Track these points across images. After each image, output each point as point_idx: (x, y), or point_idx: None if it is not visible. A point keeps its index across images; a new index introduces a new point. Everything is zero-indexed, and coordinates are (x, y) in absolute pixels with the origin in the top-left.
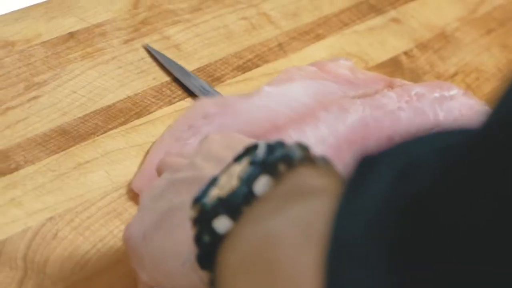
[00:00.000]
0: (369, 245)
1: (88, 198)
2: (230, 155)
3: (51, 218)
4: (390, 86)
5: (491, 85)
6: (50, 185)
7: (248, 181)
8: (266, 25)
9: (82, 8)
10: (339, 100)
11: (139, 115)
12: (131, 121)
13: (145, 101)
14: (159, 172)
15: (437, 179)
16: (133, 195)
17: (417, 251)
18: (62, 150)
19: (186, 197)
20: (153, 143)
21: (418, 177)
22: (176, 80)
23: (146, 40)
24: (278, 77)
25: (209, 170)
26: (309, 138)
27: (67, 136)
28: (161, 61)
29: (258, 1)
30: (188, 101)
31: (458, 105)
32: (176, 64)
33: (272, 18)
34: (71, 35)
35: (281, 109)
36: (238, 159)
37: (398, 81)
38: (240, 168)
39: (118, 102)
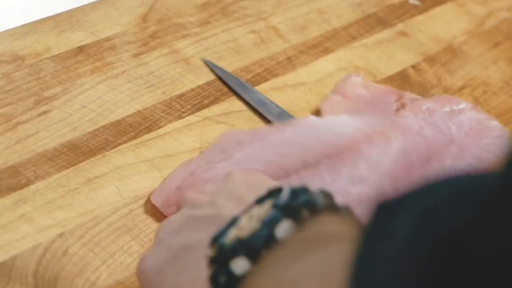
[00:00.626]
0: None
1: (98, 213)
2: (252, 196)
3: (61, 234)
4: (400, 99)
5: (498, 99)
6: (60, 201)
7: (269, 224)
8: (275, 39)
9: (91, 21)
10: (381, 129)
11: (148, 129)
12: (141, 136)
13: (155, 115)
14: (178, 207)
15: (464, 219)
16: (145, 210)
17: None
18: (72, 165)
19: (204, 235)
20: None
21: (442, 219)
22: (234, 92)
23: (155, 54)
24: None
25: (229, 209)
26: (342, 178)
27: (77, 151)
28: (219, 74)
29: (267, 15)
30: (197, 115)
31: (467, 119)
32: (234, 78)
33: (281, 32)
34: (81, 49)
35: (314, 145)
36: (260, 201)
37: (407, 94)
38: (262, 210)
39: (127, 116)
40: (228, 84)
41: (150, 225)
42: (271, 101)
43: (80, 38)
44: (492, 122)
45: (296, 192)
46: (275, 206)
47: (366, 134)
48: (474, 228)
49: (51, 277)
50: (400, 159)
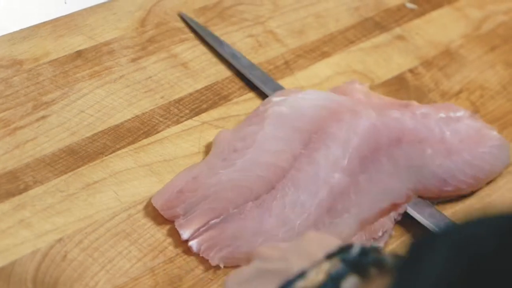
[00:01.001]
0: None
1: (97, 219)
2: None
3: (60, 240)
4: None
5: (495, 103)
6: (59, 206)
7: (336, 278)
8: (272, 43)
9: (90, 26)
10: (351, 106)
11: (147, 134)
12: (139, 141)
13: (153, 120)
14: (249, 259)
15: (492, 251)
16: (144, 215)
17: None
18: (71, 170)
19: (272, 287)
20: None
21: (473, 252)
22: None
23: (153, 59)
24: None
25: (299, 265)
26: (322, 167)
27: (76, 156)
28: (198, 30)
29: (264, 19)
30: (196, 120)
31: (465, 127)
32: (213, 36)
33: (278, 36)
34: (79, 53)
35: (291, 136)
36: (329, 256)
37: (414, 104)
38: (331, 265)
39: (126, 121)
40: (206, 41)
41: (149, 230)
42: (241, 55)
43: (79, 42)
44: (491, 131)
45: (366, 250)
46: (343, 261)
47: (332, 111)
48: (501, 259)
49: (50, 283)
50: (367, 137)
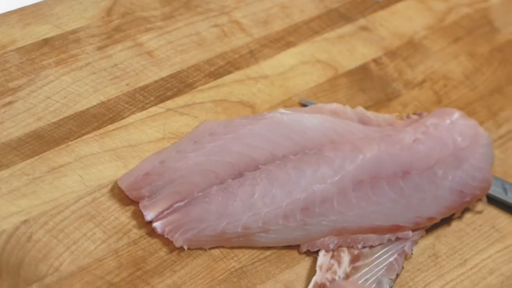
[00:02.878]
0: None
1: (62, 201)
2: None
3: (25, 221)
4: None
5: (458, 92)
6: (25, 189)
7: None
8: (238, 33)
9: (56, 15)
10: (355, 140)
11: (112, 120)
12: (105, 126)
13: (118, 106)
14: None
15: None
16: (108, 198)
17: None
18: (37, 155)
19: None
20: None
21: None
22: None
23: (119, 47)
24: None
25: None
26: (307, 177)
27: (42, 141)
28: None
29: (230, 9)
30: (161, 107)
31: (465, 128)
32: None
33: (244, 26)
34: (46, 41)
35: (281, 141)
36: None
37: (414, 117)
38: None
39: (91, 107)
40: None
41: (113, 213)
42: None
43: (45, 31)
44: (479, 129)
45: None
46: None
47: (330, 139)
48: None
49: (15, 263)
50: (366, 167)
